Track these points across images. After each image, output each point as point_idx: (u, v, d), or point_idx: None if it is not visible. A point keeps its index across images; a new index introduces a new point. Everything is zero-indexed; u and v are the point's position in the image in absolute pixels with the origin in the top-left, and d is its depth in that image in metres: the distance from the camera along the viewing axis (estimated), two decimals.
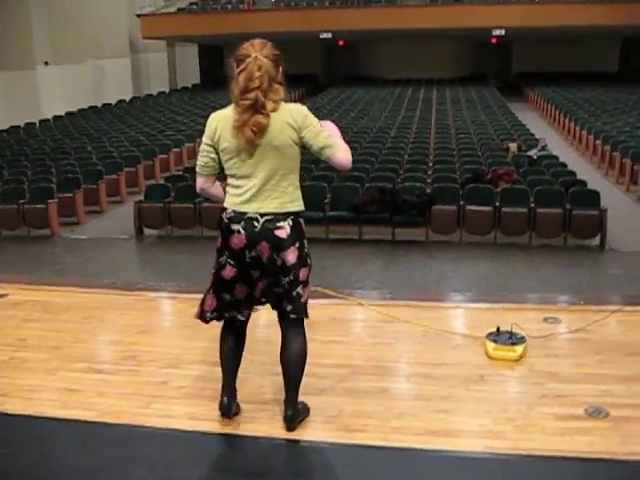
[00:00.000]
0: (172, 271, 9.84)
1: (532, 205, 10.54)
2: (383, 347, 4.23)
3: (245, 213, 3.03)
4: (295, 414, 3.24)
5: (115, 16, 28.11)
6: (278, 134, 2.98)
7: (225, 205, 3.12)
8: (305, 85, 29.07)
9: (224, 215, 3.09)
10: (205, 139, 3.13)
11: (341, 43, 32.04)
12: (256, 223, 3.02)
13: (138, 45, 30.62)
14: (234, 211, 3.06)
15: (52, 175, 13.16)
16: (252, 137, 2.95)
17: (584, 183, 11.57)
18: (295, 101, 22.65)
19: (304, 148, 3.10)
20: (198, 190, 3.30)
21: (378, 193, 10.85)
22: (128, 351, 4.28)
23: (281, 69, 3.06)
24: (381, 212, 10.64)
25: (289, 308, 3.13)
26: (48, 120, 21.76)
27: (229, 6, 29.49)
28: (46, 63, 24.47)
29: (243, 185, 3.05)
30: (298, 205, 3.11)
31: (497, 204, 10.59)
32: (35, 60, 23.38)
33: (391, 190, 10.92)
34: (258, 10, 29.05)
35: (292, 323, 3.18)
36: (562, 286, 8.57)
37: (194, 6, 30.17)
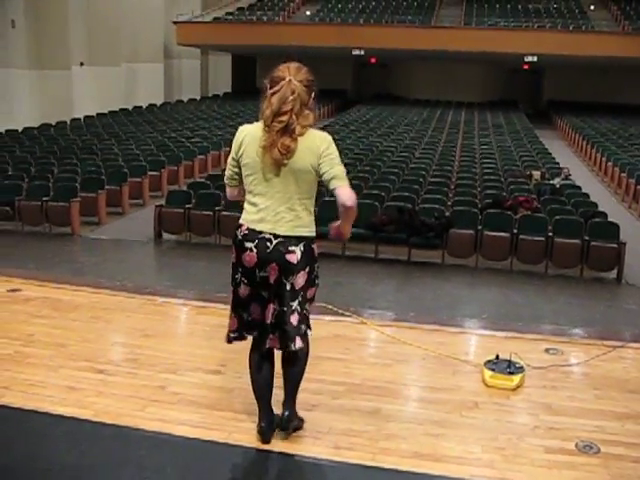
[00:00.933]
0: (187, 277, 9.90)
1: (550, 234, 10.49)
2: (382, 367, 4.25)
3: (260, 232, 3.08)
4: (290, 415, 3.28)
5: (151, 21, 28.53)
6: (300, 159, 3.03)
7: (241, 221, 3.17)
8: (334, 101, 29.20)
9: (239, 232, 3.14)
10: (232, 152, 3.20)
11: (373, 61, 32.18)
12: (269, 244, 3.07)
13: (172, 51, 31.03)
14: (249, 229, 3.11)
15: (77, 174, 13.34)
16: (280, 158, 2.99)
17: (605, 215, 11.49)
18: (325, 116, 22.74)
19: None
20: (229, 198, 3.41)
21: (397, 213, 10.86)
22: (130, 353, 4.35)
23: (313, 95, 3.11)
24: (399, 232, 10.64)
25: (290, 331, 3.14)
26: (79, 120, 22.08)
27: (265, 18, 29.80)
28: (81, 64, 24.88)
29: (259, 203, 3.10)
30: (310, 231, 3.14)
31: (515, 231, 10.56)
32: (71, 60, 23.77)
33: (410, 211, 10.93)
34: (293, 23, 29.34)
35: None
36: (575, 318, 8.48)
37: (230, 16, 30.51)
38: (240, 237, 3.12)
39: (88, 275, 9.44)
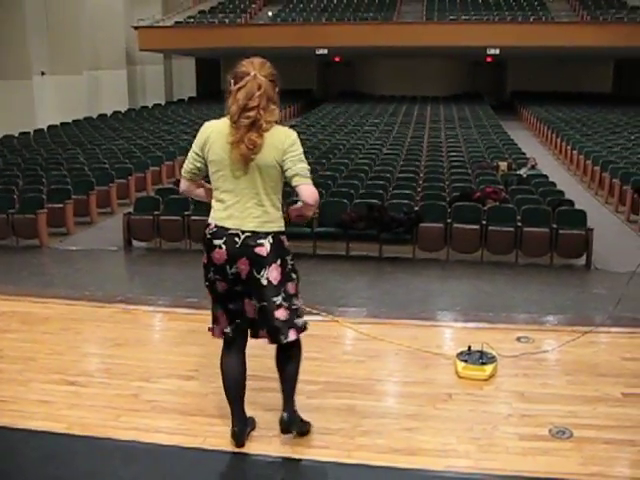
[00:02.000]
0: (159, 284, 9.85)
1: (519, 224, 10.60)
2: (355, 364, 4.26)
3: (227, 229, 3.07)
4: (291, 417, 3.26)
5: (112, 28, 28.29)
6: (265, 154, 3.02)
7: (209, 220, 3.16)
8: (300, 100, 29.19)
9: (207, 230, 3.14)
10: (195, 146, 3.16)
11: (337, 59, 32.22)
12: (237, 239, 3.06)
13: (135, 57, 30.78)
14: (217, 226, 3.10)
15: (43, 185, 13.18)
16: (247, 154, 2.98)
17: (572, 203, 11.63)
18: (291, 115, 22.67)
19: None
20: (181, 191, 3.35)
21: (366, 210, 10.90)
22: (102, 363, 4.31)
23: (277, 90, 3.11)
24: (369, 229, 10.68)
25: (279, 326, 3.13)
26: (42, 130, 21.81)
27: (226, 20, 29.66)
28: (42, 73, 24.61)
29: (226, 200, 3.09)
30: (278, 226, 3.13)
31: (484, 222, 10.65)
32: (31, 70, 23.50)
33: (379, 207, 10.97)
34: (255, 25, 29.24)
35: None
36: (546, 305, 8.59)
37: (191, 19, 30.32)
38: (209, 235, 3.11)
39: (59, 287, 9.34)
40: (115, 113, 26.16)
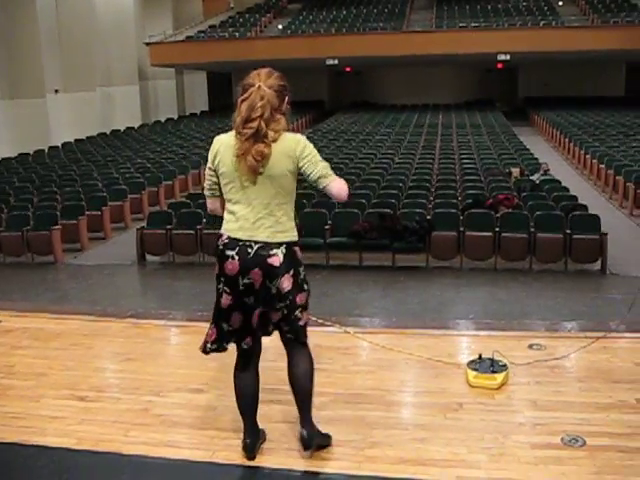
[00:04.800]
0: (173, 298, 9.88)
1: (532, 230, 10.53)
2: (365, 375, 4.24)
3: (239, 240, 3.07)
4: (311, 433, 3.22)
5: (124, 44, 28.60)
6: (276, 164, 3.02)
7: (221, 231, 3.16)
8: (312, 111, 29.27)
9: (219, 242, 3.13)
10: (208, 162, 3.19)
11: (348, 69, 32.30)
12: (250, 250, 3.05)
13: (147, 72, 31.05)
14: (229, 237, 3.10)
15: (57, 202, 13.29)
16: (255, 165, 2.98)
17: (585, 207, 11.55)
18: (303, 127, 22.78)
19: (300, 176, 3.13)
20: (209, 211, 3.38)
21: (378, 219, 10.87)
22: (112, 378, 4.32)
23: (286, 99, 3.11)
24: (381, 238, 10.65)
25: (286, 329, 3.14)
26: (57, 147, 22.02)
27: (237, 34, 29.85)
28: (56, 91, 24.85)
29: (238, 211, 3.09)
30: (291, 236, 3.13)
31: (497, 229, 10.59)
32: (45, 88, 23.73)
33: (391, 216, 10.94)
34: (265, 37, 29.41)
35: (294, 346, 3.20)
36: (562, 312, 8.51)
37: (202, 34, 30.55)
38: (221, 246, 3.11)
39: (73, 302, 9.40)
40: (128, 129, 26.37)
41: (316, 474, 3.17)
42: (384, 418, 3.68)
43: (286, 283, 3.07)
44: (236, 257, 3.05)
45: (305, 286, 3.17)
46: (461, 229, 10.67)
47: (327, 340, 4.83)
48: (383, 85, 33.37)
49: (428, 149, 18.99)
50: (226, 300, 3.12)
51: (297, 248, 3.16)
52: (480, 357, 4.14)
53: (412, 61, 28.33)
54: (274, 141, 3.01)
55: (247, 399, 3.25)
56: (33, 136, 22.35)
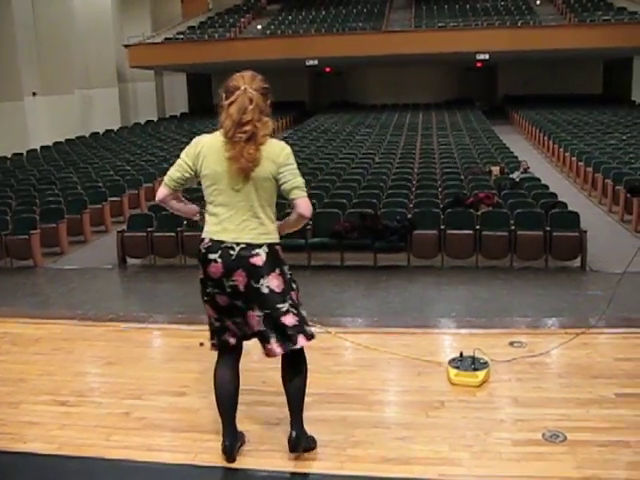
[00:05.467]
0: (154, 300, 9.83)
1: (512, 228, 10.60)
2: (347, 375, 4.24)
3: (222, 242, 3.06)
4: (299, 435, 3.21)
5: (102, 46, 28.41)
6: (262, 168, 3.03)
7: (203, 235, 3.15)
8: (292, 112, 29.24)
9: (202, 245, 3.13)
10: (185, 157, 3.13)
11: (328, 70, 32.31)
12: (232, 252, 3.05)
13: (126, 74, 30.86)
14: (211, 240, 3.09)
15: (36, 206, 13.19)
16: (248, 167, 2.98)
17: (565, 205, 11.64)
18: (284, 127, 22.71)
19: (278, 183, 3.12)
20: (157, 200, 3.28)
21: (359, 219, 10.89)
22: (93, 382, 4.29)
23: (269, 102, 3.12)
24: (362, 238, 10.67)
25: (291, 332, 3.10)
26: (35, 150, 21.82)
27: (216, 35, 29.77)
28: (34, 94, 24.64)
29: (220, 213, 3.08)
30: (274, 237, 3.13)
31: (478, 228, 10.65)
32: (23, 91, 23.53)
33: (372, 216, 10.96)
34: (245, 39, 29.33)
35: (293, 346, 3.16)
36: (543, 309, 8.57)
37: (181, 35, 30.43)
38: (203, 250, 3.10)
39: (54, 307, 9.32)
40: (108, 131, 26.20)
41: (298, 474, 3.17)
42: (366, 417, 3.69)
43: (276, 282, 3.07)
44: (219, 260, 3.05)
45: (294, 285, 3.19)
46: (442, 228, 10.72)
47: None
48: (363, 85, 33.42)
49: (408, 149, 19.05)
50: (222, 299, 3.11)
51: (279, 247, 3.16)
52: (461, 355, 4.16)
53: (392, 61, 28.41)
54: (262, 144, 3.02)
55: (226, 399, 3.24)
56: (11, 139, 22.15)
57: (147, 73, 31.47)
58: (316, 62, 27.69)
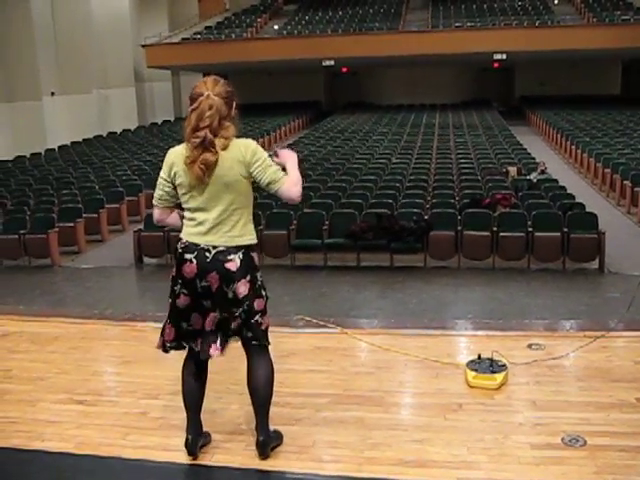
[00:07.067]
0: None
1: (530, 229, 10.53)
2: (364, 376, 4.22)
3: (198, 244, 3.10)
4: (266, 440, 3.25)
5: (120, 46, 28.56)
6: (228, 170, 3.05)
7: (181, 236, 3.19)
8: (309, 112, 29.25)
9: (179, 244, 3.17)
10: (162, 172, 3.20)
11: (344, 70, 32.29)
12: (208, 254, 3.09)
13: (143, 74, 31.01)
14: (188, 241, 3.13)
15: (54, 205, 13.28)
16: (201, 174, 3.01)
17: (582, 206, 11.55)
18: (300, 127, 22.78)
19: (254, 183, 3.16)
20: (155, 222, 3.37)
21: (375, 219, 10.86)
22: (110, 382, 4.30)
23: (234, 105, 3.13)
24: (378, 238, 10.63)
25: (249, 335, 3.17)
26: (53, 150, 21.97)
27: (233, 35, 29.83)
28: (52, 94, 24.81)
29: (196, 218, 3.12)
30: (249, 239, 3.17)
31: (495, 229, 10.58)
32: (41, 91, 23.72)
33: (388, 216, 10.93)
34: (261, 39, 29.36)
35: (255, 350, 3.21)
36: (560, 311, 8.50)
37: (198, 35, 30.53)
38: (180, 250, 3.14)
39: (71, 305, 9.36)
40: (125, 131, 26.35)
41: (317, 476, 3.15)
42: (383, 419, 3.67)
43: (242, 288, 3.10)
44: (194, 260, 3.09)
45: (262, 292, 3.21)
46: (459, 229, 10.67)
47: (325, 341, 4.82)
48: (380, 85, 33.36)
49: (425, 149, 18.99)
50: (184, 300, 3.15)
51: (254, 254, 3.20)
52: (479, 357, 4.13)
53: (408, 61, 28.35)
54: (224, 149, 3.03)
55: (192, 394, 3.30)
56: (30, 139, 22.35)
57: (164, 73, 31.60)
58: (332, 62, 27.68)
